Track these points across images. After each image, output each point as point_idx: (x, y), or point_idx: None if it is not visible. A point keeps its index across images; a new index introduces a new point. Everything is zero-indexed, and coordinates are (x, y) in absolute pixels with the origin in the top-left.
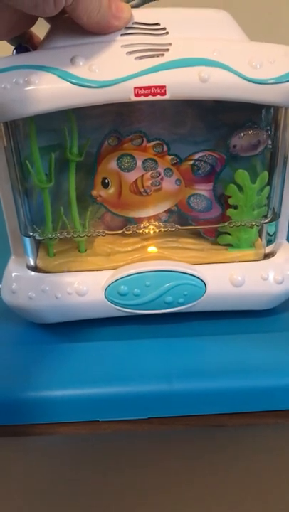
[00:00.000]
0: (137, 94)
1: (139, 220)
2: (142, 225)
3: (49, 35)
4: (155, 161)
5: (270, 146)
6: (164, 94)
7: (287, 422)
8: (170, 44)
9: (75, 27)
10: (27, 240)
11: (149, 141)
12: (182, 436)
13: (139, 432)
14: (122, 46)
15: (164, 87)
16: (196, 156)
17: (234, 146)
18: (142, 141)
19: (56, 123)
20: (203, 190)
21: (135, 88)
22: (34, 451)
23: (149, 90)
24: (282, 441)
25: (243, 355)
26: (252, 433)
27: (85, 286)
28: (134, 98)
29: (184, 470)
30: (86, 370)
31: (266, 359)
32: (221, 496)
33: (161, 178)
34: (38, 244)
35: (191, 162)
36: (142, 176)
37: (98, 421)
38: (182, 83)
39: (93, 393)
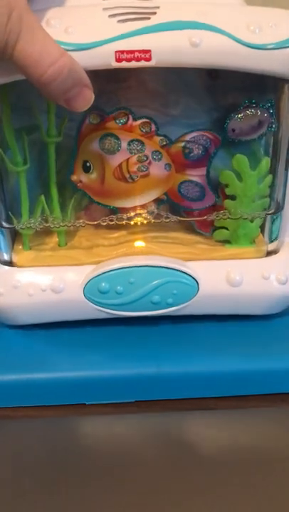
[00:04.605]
0: (118, 59)
1: (125, 211)
2: (128, 215)
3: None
4: (142, 143)
5: (273, 128)
6: (148, 59)
7: (273, 406)
8: (158, 7)
9: None
10: None
11: (135, 119)
12: (169, 419)
13: (127, 415)
14: (104, 9)
15: (148, 51)
16: (188, 137)
17: (233, 131)
18: (128, 120)
19: (31, 100)
20: (196, 175)
21: (116, 52)
22: (19, 434)
23: (132, 55)
24: (268, 425)
25: (230, 340)
26: (239, 416)
27: (61, 282)
28: (115, 64)
29: (168, 454)
30: (73, 355)
31: (254, 343)
32: (204, 483)
33: (149, 163)
34: (14, 237)
35: (183, 144)
36: (128, 159)
37: (85, 404)
38: (170, 48)
39: (79, 376)
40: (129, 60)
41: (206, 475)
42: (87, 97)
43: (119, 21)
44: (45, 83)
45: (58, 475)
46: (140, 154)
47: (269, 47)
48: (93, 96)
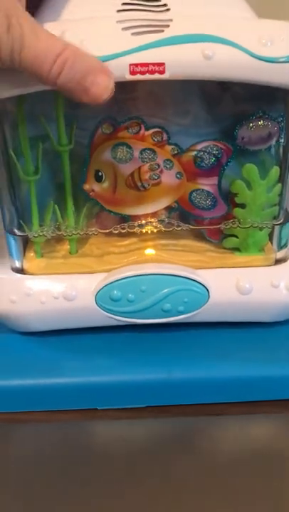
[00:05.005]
0: (132, 72)
1: (136, 219)
2: (138, 223)
3: (39, 10)
4: (154, 152)
5: (282, 142)
6: (162, 72)
7: (283, 412)
8: (171, 20)
9: (68, 3)
10: (11, 239)
11: (147, 128)
12: (180, 424)
13: (137, 420)
14: (117, 22)
15: (162, 64)
16: (200, 147)
17: (242, 138)
18: (140, 129)
19: (40, 109)
20: (207, 185)
21: (131, 65)
22: (32, 439)
23: (146, 68)
24: (278, 431)
25: (239, 346)
26: (249, 422)
27: (73, 290)
28: (129, 77)
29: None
30: (84, 361)
31: (263, 349)
32: (215, 488)
33: (161, 171)
34: (25, 244)
35: (194, 153)
36: (139, 168)
37: (97, 409)
38: (183, 60)
39: (91, 381)
40: (143, 73)
41: (216, 479)
42: (102, 83)
43: (132, 34)
44: (53, 78)
45: (69, 478)
46: (152, 163)
47: (281, 60)
48: (111, 82)
